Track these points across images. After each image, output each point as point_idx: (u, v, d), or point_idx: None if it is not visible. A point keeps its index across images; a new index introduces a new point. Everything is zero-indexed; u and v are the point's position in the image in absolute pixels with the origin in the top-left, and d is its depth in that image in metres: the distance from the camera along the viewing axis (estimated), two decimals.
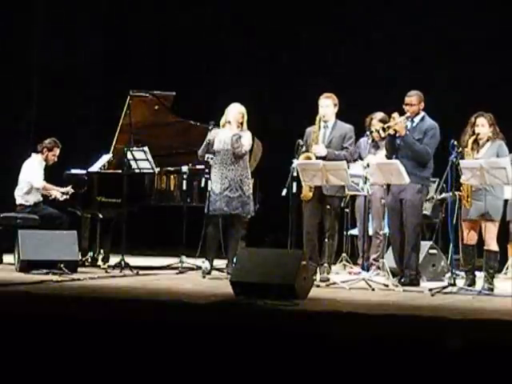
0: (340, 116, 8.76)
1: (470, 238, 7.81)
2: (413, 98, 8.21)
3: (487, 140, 7.78)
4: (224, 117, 8.89)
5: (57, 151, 9.75)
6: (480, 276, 8.10)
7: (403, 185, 8.01)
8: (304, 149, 8.48)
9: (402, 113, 8.18)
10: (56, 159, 9.77)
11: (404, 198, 8.14)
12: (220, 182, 8.81)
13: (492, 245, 7.71)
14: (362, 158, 9.16)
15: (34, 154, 9.78)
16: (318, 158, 8.42)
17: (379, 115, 9.29)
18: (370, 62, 11.98)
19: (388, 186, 8.37)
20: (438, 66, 11.67)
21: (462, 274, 8.24)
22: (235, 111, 8.89)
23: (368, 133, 9.00)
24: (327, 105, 8.62)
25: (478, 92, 10.87)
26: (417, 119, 8.24)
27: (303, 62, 12.38)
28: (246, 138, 8.86)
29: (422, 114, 8.25)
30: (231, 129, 8.87)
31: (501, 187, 7.75)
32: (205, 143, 8.86)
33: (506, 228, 9.45)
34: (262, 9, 12.58)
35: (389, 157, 8.28)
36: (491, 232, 7.69)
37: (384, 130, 8.15)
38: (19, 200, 9.64)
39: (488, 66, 11.33)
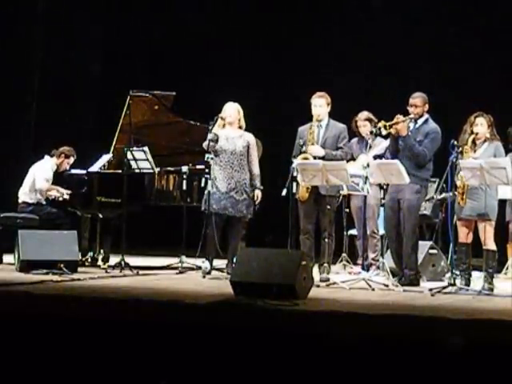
0: (340, 116, 8.77)
1: (465, 236, 7.81)
2: (417, 99, 8.21)
3: (484, 141, 7.79)
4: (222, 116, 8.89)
5: (72, 160, 9.78)
6: (477, 276, 8.11)
7: (401, 185, 8.01)
8: (304, 149, 8.48)
9: (405, 114, 8.18)
10: (68, 167, 9.78)
11: (402, 198, 8.14)
12: (226, 182, 8.79)
13: (490, 244, 7.72)
14: (354, 159, 9.17)
15: (47, 157, 9.75)
16: (315, 158, 8.42)
17: (363, 115, 9.31)
18: (369, 62, 11.99)
19: (388, 186, 8.37)
20: (437, 65, 11.69)
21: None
22: (232, 111, 8.89)
23: (365, 134, 9.01)
24: (320, 104, 8.60)
25: (478, 92, 10.87)
26: (420, 121, 8.23)
27: (303, 61, 12.38)
28: (254, 147, 8.91)
29: (426, 116, 8.25)
30: (233, 128, 8.88)
31: (495, 187, 7.75)
32: (211, 137, 8.74)
33: (505, 228, 9.46)
34: (261, 8, 12.58)
35: (390, 157, 8.26)
36: (489, 232, 7.70)
37: (385, 127, 8.12)
38: (23, 197, 9.61)
39: (488, 66, 11.34)
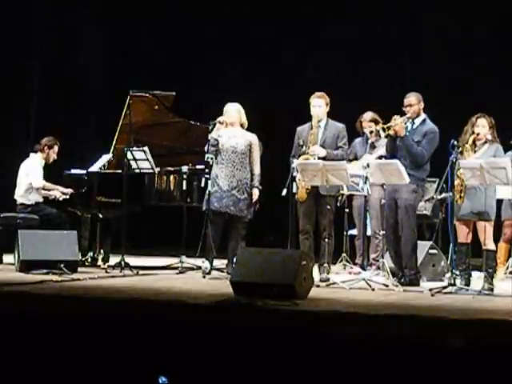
0: (342, 115, 8.77)
1: (465, 236, 7.81)
2: (411, 98, 8.21)
3: (485, 142, 7.78)
4: (224, 118, 8.89)
5: (56, 148, 9.76)
6: (477, 276, 8.11)
7: (398, 184, 8.02)
8: (304, 149, 8.48)
9: (402, 115, 8.17)
10: (56, 157, 9.78)
11: (399, 198, 8.14)
12: (228, 180, 8.80)
13: (490, 244, 7.72)
14: (357, 158, 9.16)
15: (32, 154, 9.77)
16: (318, 158, 8.41)
17: (368, 116, 9.29)
18: (369, 62, 11.99)
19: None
20: (437, 66, 11.69)
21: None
22: (234, 112, 8.90)
23: (368, 133, 9.01)
24: (319, 104, 8.59)
25: (478, 93, 10.88)
26: (417, 121, 8.23)
27: (304, 61, 12.38)
28: (256, 147, 8.92)
29: (424, 116, 8.24)
30: (236, 129, 8.89)
31: (494, 186, 7.75)
32: (211, 142, 8.77)
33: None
34: (261, 8, 12.59)
35: (389, 157, 8.27)
36: (489, 232, 7.70)
37: (384, 129, 8.14)
38: (20, 200, 9.62)
39: (488, 67, 11.34)
